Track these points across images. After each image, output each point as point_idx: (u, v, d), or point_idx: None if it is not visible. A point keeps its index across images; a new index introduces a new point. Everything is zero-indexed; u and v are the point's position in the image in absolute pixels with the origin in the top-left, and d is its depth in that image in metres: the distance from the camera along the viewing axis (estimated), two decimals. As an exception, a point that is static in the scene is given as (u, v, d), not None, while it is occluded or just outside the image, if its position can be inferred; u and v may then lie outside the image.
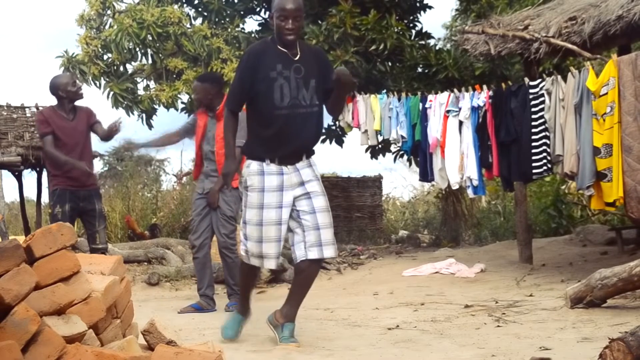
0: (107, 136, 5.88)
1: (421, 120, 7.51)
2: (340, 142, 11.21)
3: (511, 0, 10.96)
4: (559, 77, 6.50)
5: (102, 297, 2.70)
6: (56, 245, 2.59)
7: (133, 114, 10.38)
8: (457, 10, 12.53)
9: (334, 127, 11.02)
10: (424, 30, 10.94)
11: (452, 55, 10.00)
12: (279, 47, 4.07)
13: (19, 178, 10.57)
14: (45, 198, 10.12)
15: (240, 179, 4.26)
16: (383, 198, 15.47)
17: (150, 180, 18.34)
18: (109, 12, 10.26)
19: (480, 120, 7.07)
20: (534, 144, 6.57)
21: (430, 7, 11.03)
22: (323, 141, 10.92)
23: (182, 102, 10.52)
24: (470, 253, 9.23)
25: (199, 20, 10.72)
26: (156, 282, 7.65)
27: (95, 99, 23.16)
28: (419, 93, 7.79)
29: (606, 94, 5.89)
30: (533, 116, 6.59)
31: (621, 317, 4.48)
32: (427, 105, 7.44)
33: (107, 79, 10.19)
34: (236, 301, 5.23)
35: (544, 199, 11.37)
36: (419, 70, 10.24)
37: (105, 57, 10.17)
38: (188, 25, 10.16)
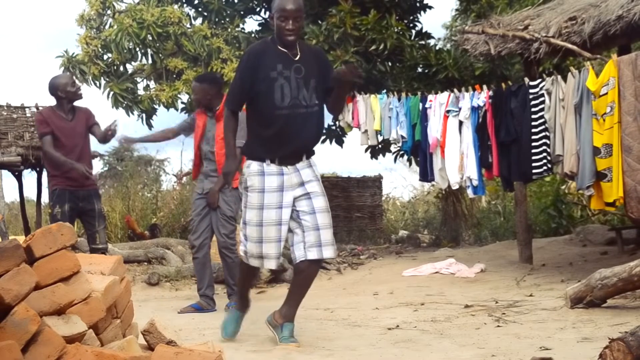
0: (103, 139, 5.91)
1: (421, 120, 7.51)
2: (340, 142, 11.21)
3: (511, 0, 10.97)
4: (559, 77, 6.50)
5: (102, 297, 2.70)
6: (56, 245, 2.59)
7: (133, 114, 10.38)
8: (457, 10, 12.53)
9: (334, 127, 11.02)
10: (424, 30, 10.94)
11: (452, 55, 10.00)
12: (279, 47, 4.08)
13: (19, 178, 10.56)
14: (45, 198, 10.11)
15: (240, 179, 4.27)
16: (383, 198, 15.46)
17: (150, 180, 18.33)
18: (109, 12, 10.26)
19: (480, 120, 7.07)
20: (534, 144, 6.57)
21: (430, 7, 11.03)
22: (323, 141, 10.92)
23: (182, 102, 10.53)
24: (470, 253, 9.23)
25: (199, 20, 10.73)
26: (156, 282, 7.65)
27: (95, 99, 23.19)
28: (419, 93, 7.78)
29: (606, 94, 5.89)
30: (533, 116, 6.59)
31: (621, 317, 4.48)
32: (427, 105, 7.44)
33: (107, 79, 10.20)
34: (236, 301, 5.24)
35: (544, 199, 11.37)
36: (419, 70, 10.23)
37: (105, 57, 10.17)
38: (188, 25, 10.16)
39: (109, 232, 11.26)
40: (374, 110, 7.95)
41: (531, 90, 6.63)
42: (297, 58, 4.08)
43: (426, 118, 7.44)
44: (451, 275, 7.42)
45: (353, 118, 8.14)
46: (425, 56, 10.05)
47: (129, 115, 10.40)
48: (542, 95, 6.55)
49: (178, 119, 11.09)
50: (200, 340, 3.86)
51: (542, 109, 6.54)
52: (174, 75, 10.08)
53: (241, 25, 10.58)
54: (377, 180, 14.68)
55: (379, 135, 8.26)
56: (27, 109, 9.87)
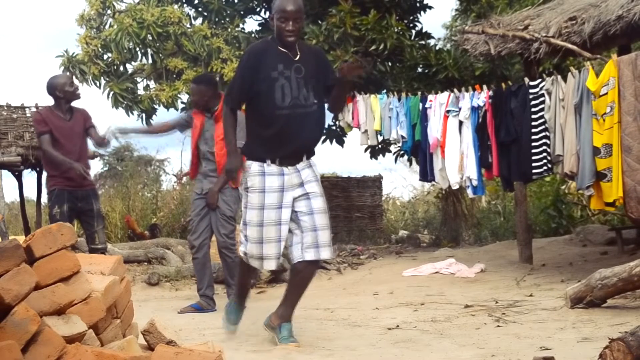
0: (98, 144, 5.95)
1: (421, 120, 7.51)
2: (341, 142, 11.21)
3: (511, 0, 10.97)
4: (559, 77, 6.50)
5: (102, 297, 2.70)
6: (56, 245, 2.59)
7: (133, 113, 10.39)
8: (457, 10, 12.54)
9: (334, 127, 11.02)
10: (424, 30, 10.94)
11: (452, 55, 10.00)
12: (280, 47, 4.08)
13: (19, 178, 10.57)
14: (45, 198, 10.13)
15: (241, 179, 4.26)
16: (383, 198, 15.46)
17: (150, 180, 18.35)
18: (109, 11, 10.26)
19: (480, 120, 7.07)
20: (534, 144, 6.57)
21: (430, 7, 11.03)
22: (323, 141, 10.92)
23: (182, 102, 10.52)
24: (470, 253, 9.23)
25: (199, 20, 10.73)
26: (156, 282, 7.65)
27: (95, 98, 23.16)
28: (419, 93, 7.78)
29: (606, 94, 5.89)
30: (533, 116, 6.58)
31: (621, 317, 4.48)
32: (427, 105, 7.44)
33: (107, 79, 10.20)
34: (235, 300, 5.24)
35: (544, 199, 11.37)
36: (419, 70, 10.23)
37: (105, 56, 10.17)
38: (188, 25, 10.16)
39: (109, 232, 11.26)
40: (374, 110, 7.95)
41: (531, 90, 6.63)
42: (297, 58, 4.08)
43: (426, 118, 7.44)
44: (451, 275, 7.42)
45: (353, 118, 8.14)
46: (425, 56, 10.05)
47: (129, 115, 10.42)
48: (542, 95, 6.55)
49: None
50: (200, 340, 3.85)
51: (542, 109, 6.54)
52: (174, 75, 10.08)
53: (241, 25, 10.58)
54: (377, 180, 14.67)
55: (379, 135, 8.27)
56: (27, 109, 9.88)
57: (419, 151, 7.64)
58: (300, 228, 4.08)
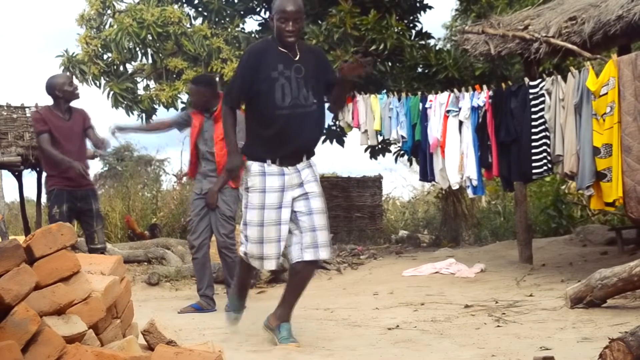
0: (96, 146, 5.96)
1: (421, 120, 7.51)
2: (341, 142, 11.21)
3: (511, 0, 10.97)
4: (559, 77, 6.50)
5: (102, 297, 2.70)
6: (56, 245, 2.59)
7: (133, 113, 10.39)
8: (457, 10, 12.54)
9: (334, 127, 11.03)
10: (424, 30, 10.95)
11: (452, 55, 10.00)
12: (280, 47, 4.08)
13: (19, 178, 10.56)
14: (45, 198, 10.13)
15: (242, 179, 4.26)
16: (383, 198, 15.46)
17: (150, 180, 18.33)
18: (109, 11, 10.26)
19: (480, 120, 7.07)
20: (534, 144, 6.57)
21: (430, 7, 11.03)
22: (323, 141, 10.92)
23: (182, 102, 10.52)
24: (470, 253, 9.23)
25: (199, 20, 10.73)
26: (156, 282, 7.65)
27: (95, 98, 23.16)
28: (419, 93, 7.78)
29: (606, 94, 5.89)
30: (533, 116, 6.58)
31: (621, 317, 4.48)
32: (427, 105, 7.44)
33: (107, 79, 10.20)
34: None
35: (544, 199, 11.37)
36: (419, 70, 10.24)
37: (105, 56, 10.17)
38: (188, 25, 10.16)
39: (109, 232, 11.26)
40: (374, 110, 7.95)
41: (531, 90, 6.63)
42: (297, 58, 4.08)
43: (426, 118, 7.44)
44: (451, 275, 7.42)
45: (353, 118, 8.14)
46: (425, 56, 10.05)
47: (129, 115, 10.42)
48: (542, 95, 6.54)
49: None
50: (200, 340, 3.85)
51: (542, 109, 6.54)
52: (174, 75, 10.08)
53: (241, 25, 10.58)
54: (377, 180, 14.67)
55: (379, 135, 8.27)
56: (27, 109, 9.87)
57: (419, 151, 7.64)
58: (299, 228, 4.08)
